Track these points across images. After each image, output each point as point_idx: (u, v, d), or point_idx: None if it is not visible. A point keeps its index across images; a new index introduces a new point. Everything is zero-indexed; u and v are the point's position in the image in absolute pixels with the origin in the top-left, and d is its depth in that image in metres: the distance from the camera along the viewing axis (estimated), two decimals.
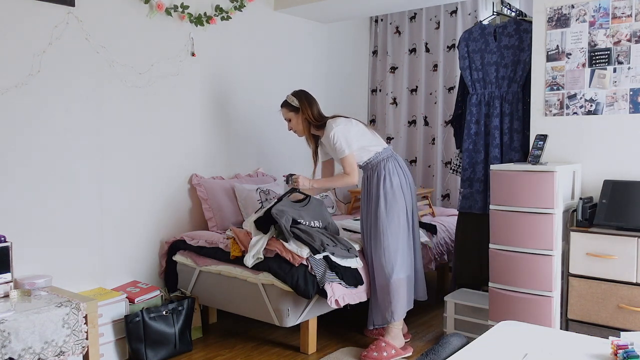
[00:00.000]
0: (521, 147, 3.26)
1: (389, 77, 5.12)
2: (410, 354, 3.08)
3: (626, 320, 2.50)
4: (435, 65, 4.84)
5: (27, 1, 2.81)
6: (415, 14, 4.95)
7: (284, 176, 3.26)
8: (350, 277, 2.98)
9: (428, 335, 3.38)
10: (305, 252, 2.89)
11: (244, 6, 3.85)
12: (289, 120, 3.20)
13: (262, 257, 2.96)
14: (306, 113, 3.12)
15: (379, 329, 3.25)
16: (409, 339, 3.26)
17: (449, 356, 1.66)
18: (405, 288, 3.05)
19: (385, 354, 2.97)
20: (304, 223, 3.05)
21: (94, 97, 3.12)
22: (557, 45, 2.91)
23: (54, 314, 2.41)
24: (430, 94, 4.89)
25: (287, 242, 2.92)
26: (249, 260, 2.94)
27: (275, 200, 3.16)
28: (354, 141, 3.04)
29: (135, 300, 3.03)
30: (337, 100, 4.84)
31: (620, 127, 2.77)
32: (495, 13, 3.54)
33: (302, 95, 3.16)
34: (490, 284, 2.87)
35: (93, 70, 3.11)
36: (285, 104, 3.19)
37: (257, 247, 2.97)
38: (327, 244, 2.94)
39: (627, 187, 2.63)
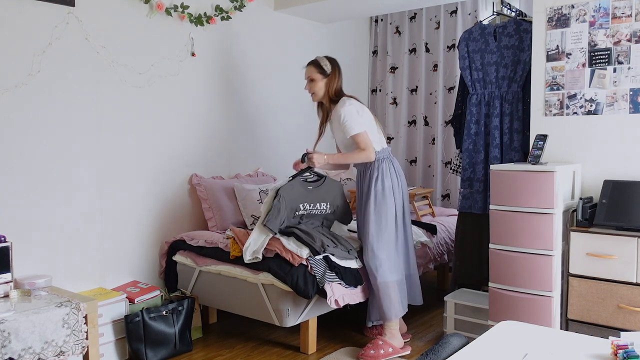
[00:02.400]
0: (521, 147, 3.26)
1: (389, 77, 5.12)
2: (408, 352, 3.07)
3: (626, 320, 2.50)
4: (435, 65, 4.84)
5: (27, 1, 2.81)
6: (415, 14, 4.95)
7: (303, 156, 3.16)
8: (350, 277, 2.98)
9: (428, 335, 3.38)
10: (305, 252, 2.89)
11: (244, 6, 3.86)
12: (312, 80, 3.10)
13: (261, 257, 2.96)
14: (333, 80, 3.07)
15: (379, 328, 3.25)
16: (408, 339, 3.25)
17: (449, 356, 1.66)
18: (395, 292, 3.00)
19: (382, 351, 2.96)
20: (305, 208, 3.02)
21: (94, 97, 3.12)
22: (557, 45, 2.91)
23: (53, 314, 2.41)
24: (430, 94, 4.89)
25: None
26: (247, 256, 2.94)
27: (290, 177, 3.09)
28: (363, 124, 3.00)
29: (135, 300, 3.03)
30: None
31: (620, 127, 2.77)
32: (495, 13, 3.54)
33: (335, 63, 3.10)
34: (490, 284, 2.87)
35: (93, 70, 3.10)
36: (316, 64, 3.10)
37: (257, 246, 2.97)
38: (328, 245, 2.94)
39: (627, 187, 2.63)
